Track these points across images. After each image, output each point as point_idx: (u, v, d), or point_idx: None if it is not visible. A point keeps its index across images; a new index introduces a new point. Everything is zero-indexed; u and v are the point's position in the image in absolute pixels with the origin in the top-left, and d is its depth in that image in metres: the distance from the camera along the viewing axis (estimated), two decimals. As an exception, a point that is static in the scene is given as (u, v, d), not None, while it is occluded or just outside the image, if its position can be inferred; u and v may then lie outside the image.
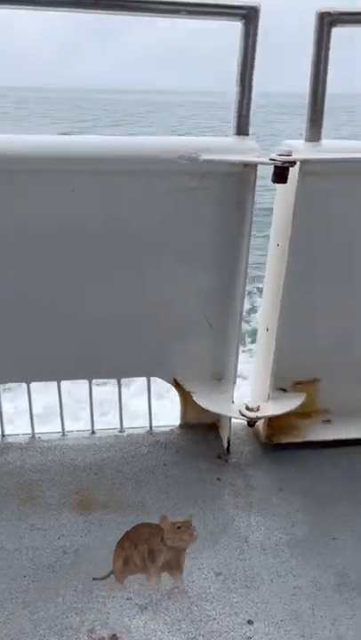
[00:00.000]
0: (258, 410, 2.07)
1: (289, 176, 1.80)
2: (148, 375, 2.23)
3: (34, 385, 2.19)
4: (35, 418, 2.24)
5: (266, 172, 1.84)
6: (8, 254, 1.93)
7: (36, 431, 2.24)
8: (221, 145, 1.89)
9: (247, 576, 1.70)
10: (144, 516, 1.85)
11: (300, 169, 1.83)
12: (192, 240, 1.99)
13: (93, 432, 2.27)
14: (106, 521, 1.85)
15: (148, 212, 1.93)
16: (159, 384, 2.28)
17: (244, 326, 2.13)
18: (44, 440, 2.22)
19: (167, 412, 2.46)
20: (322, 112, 1.86)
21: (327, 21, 1.76)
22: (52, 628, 1.53)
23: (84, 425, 2.38)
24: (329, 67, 1.80)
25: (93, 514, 1.89)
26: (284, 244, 1.97)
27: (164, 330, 2.13)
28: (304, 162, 1.82)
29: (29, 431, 2.24)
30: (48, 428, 2.31)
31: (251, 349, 3.70)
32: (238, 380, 2.16)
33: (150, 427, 2.30)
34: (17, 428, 2.30)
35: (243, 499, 1.98)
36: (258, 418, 2.08)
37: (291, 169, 1.78)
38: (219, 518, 1.89)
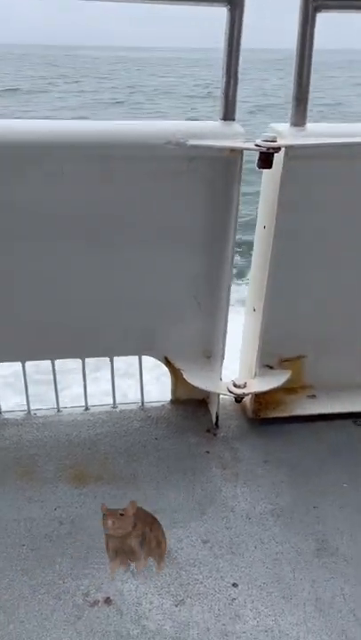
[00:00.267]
0: (245, 387, 2.14)
1: (274, 161, 1.84)
2: (140, 354, 2.30)
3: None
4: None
5: (254, 156, 1.88)
6: (1, 236, 1.98)
7: (31, 407, 2.32)
8: (208, 130, 1.92)
9: (233, 543, 1.80)
10: (135, 488, 1.96)
11: (286, 154, 1.87)
12: (181, 223, 2.04)
13: (87, 408, 2.36)
14: (100, 493, 1.95)
15: (139, 196, 1.98)
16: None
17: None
18: (40, 416, 2.31)
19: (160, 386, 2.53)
20: (306, 98, 1.89)
21: (312, 7, 1.78)
22: (50, 593, 1.64)
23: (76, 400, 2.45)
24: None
25: (88, 486, 1.98)
26: (270, 227, 2.02)
27: (154, 310, 2.19)
28: (289, 147, 1.86)
29: (25, 408, 2.32)
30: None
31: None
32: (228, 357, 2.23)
33: (142, 403, 2.39)
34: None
35: (230, 470, 2.07)
36: (245, 394, 2.16)
37: (276, 154, 1.83)
38: (207, 489, 1.99)
